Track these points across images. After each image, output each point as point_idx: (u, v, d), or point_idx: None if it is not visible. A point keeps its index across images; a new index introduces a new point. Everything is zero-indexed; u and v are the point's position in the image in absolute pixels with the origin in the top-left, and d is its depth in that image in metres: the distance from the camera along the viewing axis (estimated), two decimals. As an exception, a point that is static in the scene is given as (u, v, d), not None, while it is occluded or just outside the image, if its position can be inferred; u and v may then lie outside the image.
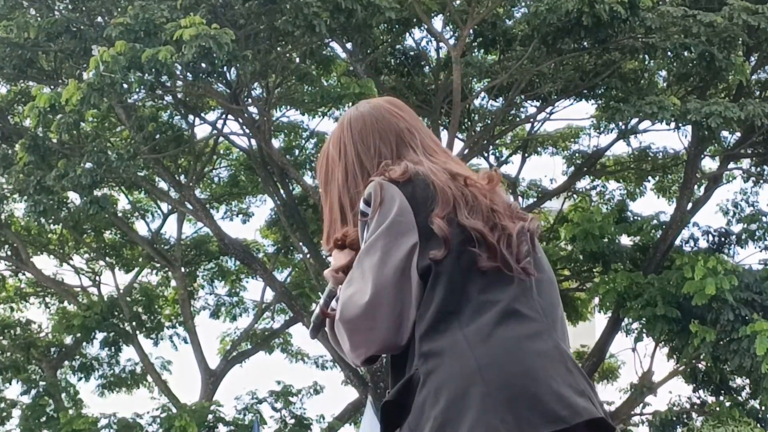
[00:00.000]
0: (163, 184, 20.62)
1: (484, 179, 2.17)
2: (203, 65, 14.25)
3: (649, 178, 21.61)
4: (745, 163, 20.76)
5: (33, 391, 21.25)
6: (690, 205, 19.43)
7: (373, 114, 2.28)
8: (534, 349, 1.93)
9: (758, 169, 20.43)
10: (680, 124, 17.11)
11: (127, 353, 22.30)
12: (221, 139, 20.37)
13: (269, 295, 22.24)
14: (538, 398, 1.86)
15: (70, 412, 19.78)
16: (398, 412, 1.98)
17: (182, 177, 20.18)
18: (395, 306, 1.99)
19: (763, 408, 18.47)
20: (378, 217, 2.05)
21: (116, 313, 20.97)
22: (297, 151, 21.13)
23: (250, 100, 17.85)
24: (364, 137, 2.25)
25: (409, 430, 1.93)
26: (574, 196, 22.25)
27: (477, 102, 19.71)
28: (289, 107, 19.95)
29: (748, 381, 18.68)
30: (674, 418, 19.02)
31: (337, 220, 2.25)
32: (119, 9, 15.97)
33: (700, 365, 19.11)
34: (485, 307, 1.98)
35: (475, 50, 18.74)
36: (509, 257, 2.06)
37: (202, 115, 19.47)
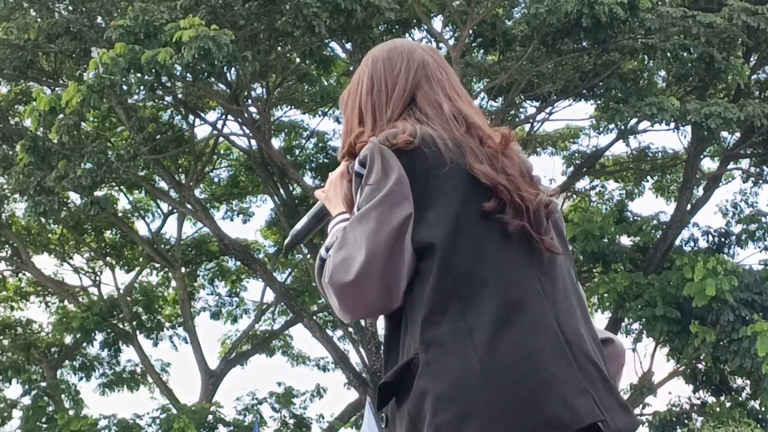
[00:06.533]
0: (163, 184, 20.64)
1: (497, 137, 2.14)
2: (203, 66, 14.25)
3: (648, 178, 21.62)
4: (745, 163, 20.77)
5: (33, 392, 21.25)
6: (689, 205, 19.44)
7: (404, 44, 2.34)
8: (537, 347, 1.91)
9: (757, 169, 20.44)
10: (680, 125, 17.12)
11: (127, 353, 22.35)
12: (221, 139, 20.38)
13: (269, 296, 22.27)
14: (542, 404, 1.85)
15: (70, 413, 19.77)
16: (394, 392, 1.99)
17: (182, 177, 20.20)
18: (385, 276, 1.97)
19: (763, 408, 18.50)
20: (374, 185, 2.02)
21: (116, 314, 20.98)
22: (297, 151, 21.14)
23: (250, 100, 17.86)
24: (392, 59, 2.28)
25: (410, 418, 1.92)
26: (574, 196, 22.26)
27: (477, 102, 19.69)
28: (289, 107, 19.97)
29: (748, 382, 18.71)
30: (674, 419, 19.02)
31: (354, 127, 2.25)
32: (119, 10, 15.98)
33: (700, 366, 19.12)
34: (489, 293, 1.95)
35: (475, 51, 18.75)
36: (530, 226, 2.04)
37: (202, 115, 19.49)
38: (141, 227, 22.02)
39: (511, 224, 2.02)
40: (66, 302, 22.36)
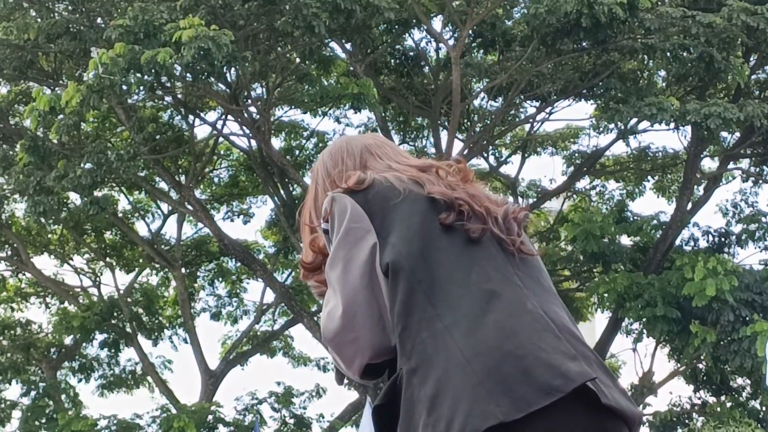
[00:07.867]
0: (163, 185, 20.63)
1: (455, 175, 2.19)
2: (203, 66, 14.25)
3: (649, 177, 21.61)
4: (745, 163, 20.77)
5: (33, 392, 21.25)
6: (690, 205, 19.43)
7: (342, 139, 2.40)
8: (520, 325, 1.89)
9: (757, 169, 20.43)
10: (679, 125, 17.12)
11: (127, 353, 22.35)
12: (221, 139, 20.38)
13: (269, 296, 22.25)
14: (530, 374, 1.83)
15: (70, 413, 19.76)
16: (390, 414, 1.95)
17: (182, 178, 20.19)
18: (371, 310, 2.00)
19: (763, 408, 18.49)
20: (334, 230, 2.06)
21: (116, 314, 20.98)
22: (297, 152, 21.12)
23: (249, 100, 17.86)
24: (333, 155, 2.33)
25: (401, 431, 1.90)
26: (574, 196, 22.26)
27: (476, 102, 19.72)
28: (289, 107, 19.96)
29: (748, 381, 18.70)
30: (675, 419, 19.02)
31: (307, 240, 2.26)
32: (119, 10, 15.99)
33: (700, 366, 19.12)
34: (463, 291, 1.95)
35: (475, 51, 18.75)
36: (498, 231, 2.07)
37: (202, 115, 19.49)
38: (141, 228, 22.05)
39: (473, 229, 2.04)
40: (66, 303, 22.36)
